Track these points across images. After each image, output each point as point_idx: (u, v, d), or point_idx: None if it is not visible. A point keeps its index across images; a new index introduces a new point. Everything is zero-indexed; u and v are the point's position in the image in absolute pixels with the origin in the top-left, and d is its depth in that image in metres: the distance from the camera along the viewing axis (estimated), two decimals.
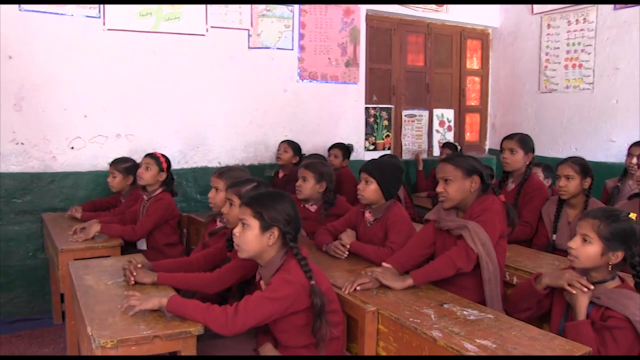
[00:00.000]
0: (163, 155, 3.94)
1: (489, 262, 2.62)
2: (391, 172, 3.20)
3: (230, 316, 2.12)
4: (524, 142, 3.88)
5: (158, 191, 3.89)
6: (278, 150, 5.07)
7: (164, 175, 3.91)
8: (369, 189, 3.13)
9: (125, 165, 4.18)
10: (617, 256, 2.17)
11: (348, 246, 3.13)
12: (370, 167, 3.18)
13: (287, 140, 5.10)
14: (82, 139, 4.46)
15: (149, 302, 2.18)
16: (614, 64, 5.49)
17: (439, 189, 2.79)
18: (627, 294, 2.16)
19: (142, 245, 3.86)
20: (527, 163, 3.86)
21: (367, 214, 3.22)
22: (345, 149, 5.27)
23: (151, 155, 3.91)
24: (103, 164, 4.48)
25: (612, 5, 5.47)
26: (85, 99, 4.44)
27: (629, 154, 4.54)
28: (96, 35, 4.44)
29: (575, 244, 2.23)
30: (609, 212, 2.24)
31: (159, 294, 2.32)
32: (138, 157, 4.13)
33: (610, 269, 2.20)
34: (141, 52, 4.64)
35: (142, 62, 4.65)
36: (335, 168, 5.12)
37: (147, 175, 3.86)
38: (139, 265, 2.61)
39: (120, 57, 4.55)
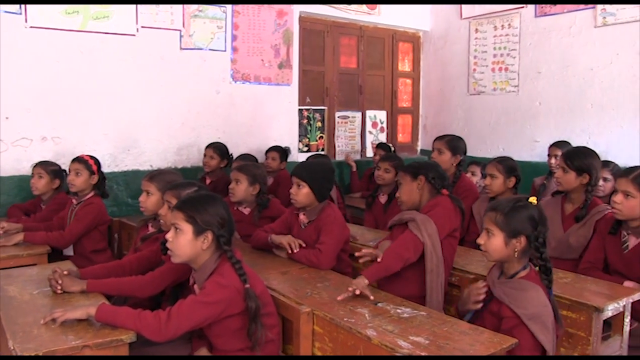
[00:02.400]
0: (91, 157, 3.82)
1: (433, 253, 2.75)
2: (322, 174, 3.22)
3: (163, 322, 2.08)
4: (452, 143, 4.01)
5: (89, 195, 3.77)
6: (204, 156, 4.94)
7: (95, 178, 3.79)
8: (302, 193, 3.14)
9: (53, 168, 4.03)
10: (521, 242, 2.23)
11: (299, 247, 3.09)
12: (301, 171, 3.18)
13: (213, 145, 4.95)
14: (3, 141, 4.25)
15: (75, 312, 2.10)
16: (536, 68, 5.75)
17: (397, 194, 3.09)
18: (523, 284, 2.22)
19: (69, 251, 3.71)
20: (455, 164, 3.99)
21: (302, 216, 3.23)
22: (282, 152, 5.28)
23: (79, 160, 3.77)
24: (27, 168, 4.28)
25: (533, 13, 5.72)
26: (6, 99, 4.22)
27: (549, 155, 4.79)
28: (17, 32, 4.23)
29: (482, 239, 2.31)
30: (505, 202, 2.32)
31: (87, 303, 2.25)
32: (66, 161, 3.98)
33: (518, 258, 2.26)
34: (67, 51, 4.47)
35: (68, 62, 4.48)
36: (273, 170, 5.15)
37: (79, 182, 3.72)
38: (65, 272, 2.51)
39: (45, 56, 4.37)
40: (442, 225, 2.83)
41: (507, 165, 3.64)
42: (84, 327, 2.07)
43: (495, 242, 2.25)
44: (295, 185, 3.16)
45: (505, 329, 2.18)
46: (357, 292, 2.44)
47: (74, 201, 3.78)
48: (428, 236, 2.77)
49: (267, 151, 5.30)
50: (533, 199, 2.31)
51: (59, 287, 2.44)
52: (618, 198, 2.84)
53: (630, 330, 2.64)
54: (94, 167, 3.78)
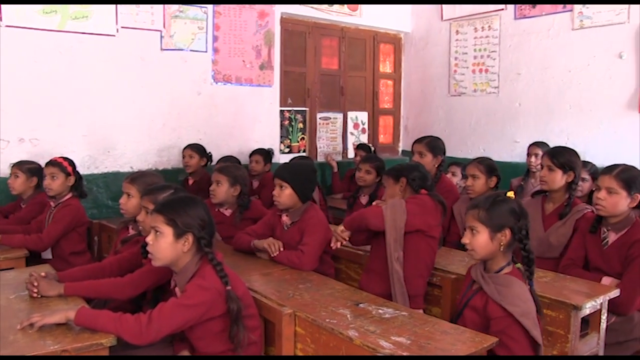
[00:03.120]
0: (65, 159, 3.76)
1: (392, 227, 2.86)
2: (305, 175, 3.22)
3: (144, 325, 2.06)
4: (432, 145, 4.03)
5: (67, 197, 3.72)
6: (183, 157, 4.94)
7: (72, 180, 3.74)
8: (284, 195, 3.13)
9: (29, 166, 3.96)
10: (506, 235, 2.25)
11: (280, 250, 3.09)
12: (283, 172, 3.18)
13: (190, 145, 4.95)
14: None
15: (53, 317, 2.07)
16: (516, 70, 5.81)
17: (383, 197, 3.22)
18: (509, 280, 2.23)
19: (47, 254, 3.66)
20: (436, 165, 4.01)
21: (284, 218, 3.22)
22: (266, 154, 5.27)
23: (53, 163, 3.70)
24: (5, 170, 4.22)
25: (513, 15, 5.78)
26: None
27: (528, 154, 4.86)
28: None
29: (467, 238, 2.32)
30: (485, 198, 2.35)
31: (66, 307, 2.22)
32: (44, 162, 3.89)
33: (503, 252, 2.27)
34: (46, 51, 4.40)
35: (47, 62, 4.41)
36: (257, 173, 5.17)
37: (56, 185, 3.67)
38: (43, 275, 2.47)
39: (22, 56, 4.30)
40: (412, 210, 2.88)
41: (487, 165, 3.67)
42: (63, 332, 2.05)
43: (480, 238, 2.27)
44: (277, 187, 3.15)
45: (496, 330, 2.18)
46: (339, 244, 3.00)
47: (52, 204, 3.73)
48: (391, 208, 2.88)
49: (251, 154, 5.29)
50: (511, 194, 2.35)
51: (35, 291, 2.40)
52: (602, 195, 2.88)
53: (608, 325, 2.69)
54: (69, 169, 3.72)
